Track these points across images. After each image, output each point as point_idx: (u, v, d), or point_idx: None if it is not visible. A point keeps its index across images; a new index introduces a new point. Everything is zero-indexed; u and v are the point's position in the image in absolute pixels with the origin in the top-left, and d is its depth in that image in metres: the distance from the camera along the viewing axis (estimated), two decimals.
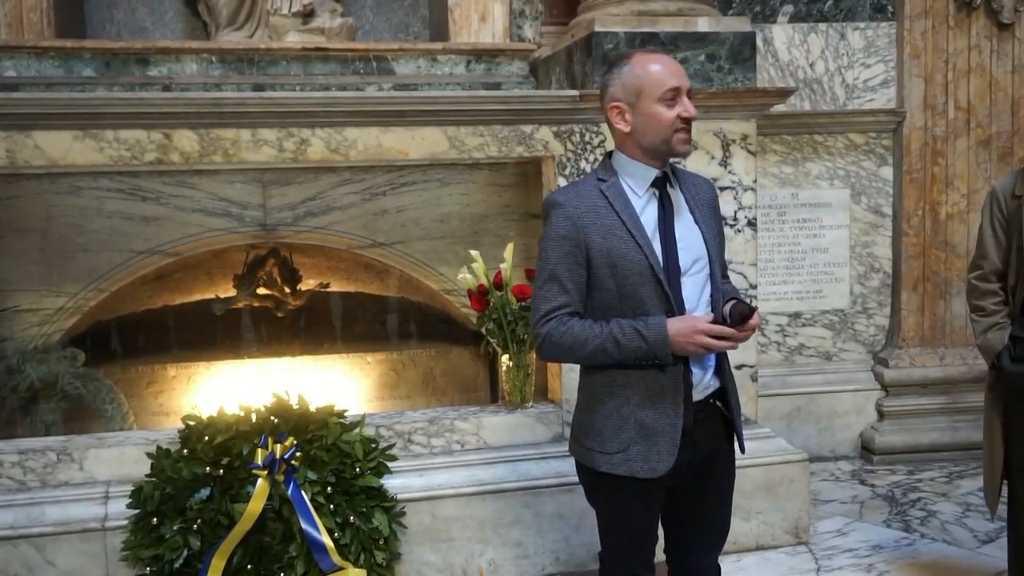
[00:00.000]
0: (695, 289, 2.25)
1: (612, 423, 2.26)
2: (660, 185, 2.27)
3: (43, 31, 3.99)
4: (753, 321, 2.18)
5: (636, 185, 2.26)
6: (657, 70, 2.20)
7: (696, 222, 2.29)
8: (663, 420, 2.22)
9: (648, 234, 2.22)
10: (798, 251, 4.77)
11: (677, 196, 2.30)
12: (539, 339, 2.27)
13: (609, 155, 2.34)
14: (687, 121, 2.21)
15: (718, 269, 2.31)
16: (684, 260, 2.24)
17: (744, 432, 2.43)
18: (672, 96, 2.19)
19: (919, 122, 4.70)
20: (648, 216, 2.25)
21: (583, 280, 2.24)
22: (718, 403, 2.35)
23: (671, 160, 2.31)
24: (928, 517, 4.01)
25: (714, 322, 2.16)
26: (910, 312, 4.80)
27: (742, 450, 2.43)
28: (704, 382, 2.29)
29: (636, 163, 2.26)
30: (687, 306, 2.23)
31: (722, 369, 2.33)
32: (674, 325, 2.15)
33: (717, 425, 2.35)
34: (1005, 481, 2.97)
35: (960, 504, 4.15)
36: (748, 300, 2.23)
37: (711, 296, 2.29)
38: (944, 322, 4.82)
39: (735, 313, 2.18)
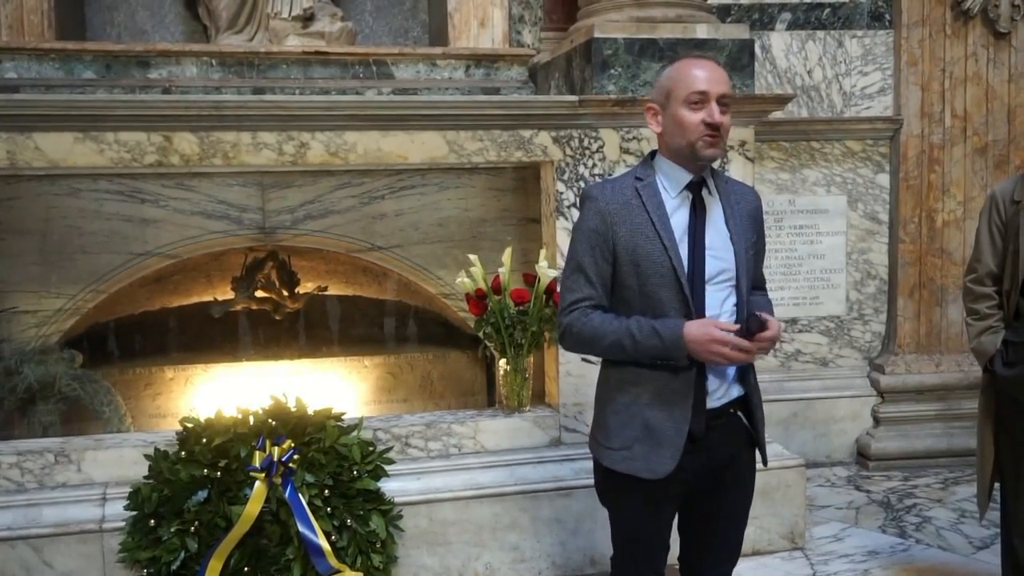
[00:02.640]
0: (718, 298, 2.24)
1: (619, 419, 2.27)
2: (695, 189, 2.25)
3: (44, 33, 4.00)
4: (769, 333, 2.15)
5: (670, 186, 2.26)
6: (689, 73, 2.19)
7: (729, 232, 2.27)
8: (669, 423, 2.21)
9: (676, 237, 2.21)
10: (795, 257, 4.78)
11: (713, 203, 2.28)
12: (561, 328, 2.30)
13: (651, 155, 2.34)
14: (712, 127, 2.17)
15: (745, 281, 2.27)
16: (710, 268, 2.23)
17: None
18: (698, 100, 2.17)
19: (916, 130, 4.72)
20: (678, 219, 2.24)
21: (609, 274, 2.25)
22: (738, 412, 2.32)
23: (713, 166, 2.30)
24: (923, 523, 4.02)
25: (738, 332, 2.15)
26: (906, 319, 4.82)
27: (764, 461, 2.41)
28: (722, 389, 2.27)
29: (671, 164, 2.26)
30: (708, 314, 2.22)
31: (745, 378, 2.31)
32: (691, 330, 2.14)
33: (736, 434, 2.33)
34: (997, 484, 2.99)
35: (955, 510, 4.16)
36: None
37: (735, 307, 2.26)
38: (940, 329, 4.84)
39: (752, 325, 2.16)
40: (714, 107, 2.17)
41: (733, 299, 2.27)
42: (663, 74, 2.27)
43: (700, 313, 2.21)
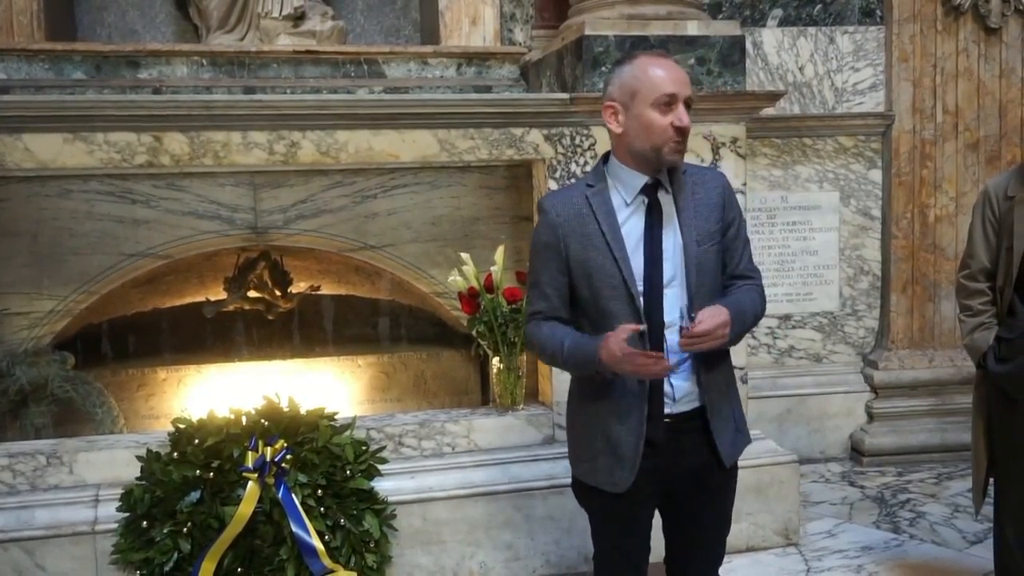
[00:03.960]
0: (676, 303, 2.17)
1: (585, 433, 2.28)
2: (650, 192, 2.19)
3: (33, 34, 3.98)
4: (700, 328, 2.04)
5: (625, 192, 2.20)
6: (655, 74, 2.12)
7: (683, 230, 2.19)
8: (628, 435, 2.19)
9: (630, 247, 2.16)
10: (788, 253, 4.79)
11: (669, 203, 2.21)
12: (525, 338, 2.39)
13: (605, 158, 2.28)
14: (680, 131, 2.12)
15: (696, 281, 2.18)
16: (667, 272, 2.17)
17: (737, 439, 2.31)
18: (667, 102, 2.11)
19: (908, 125, 4.72)
20: (633, 226, 2.19)
21: (564, 285, 2.23)
22: (705, 418, 2.23)
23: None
24: (917, 518, 4.03)
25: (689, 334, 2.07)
26: (899, 314, 4.83)
27: (722, 465, 2.27)
28: (685, 394, 2.21)
29: (626, 169, 2.20)
30: (667, 319, 2.16)
31: (701, 381, 2.21)
32: (602, 352, 2.08)
33: (703, 440, 2.25)
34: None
35: (949, 505, 4.17)
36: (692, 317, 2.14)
37: (688, 308, 2.16)
38: (933, 324, 4.85)
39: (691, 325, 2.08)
40: (682, 110, 2.12)
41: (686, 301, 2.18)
42: (622, 72, 2.18)
43: (656, 321, 2.14)
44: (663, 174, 2.21)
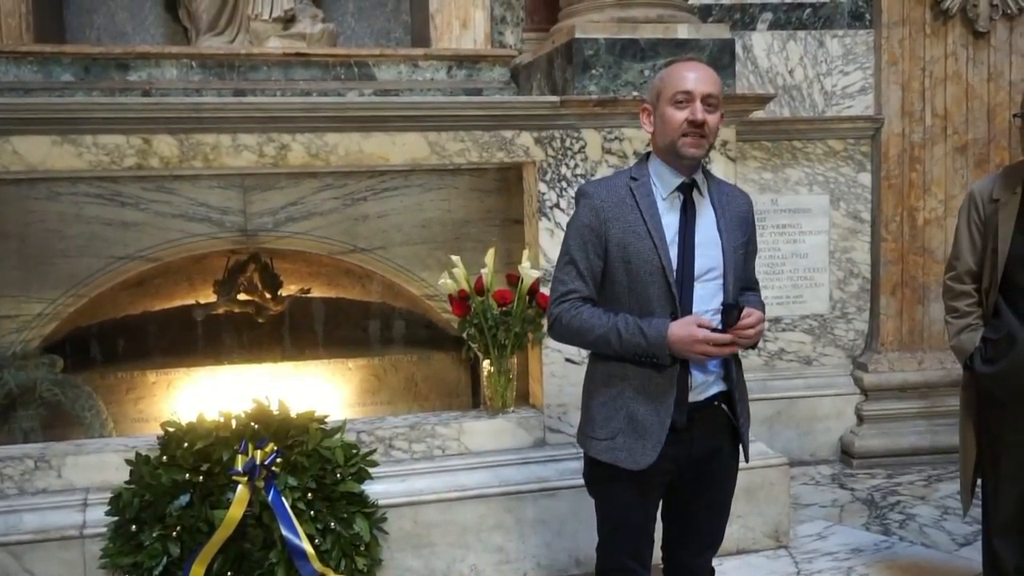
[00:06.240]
0: (706, 295, 2.31)
1: (604, 411, 2.34)
2: (686, 191, 2.33)
3: (22, 36, 3.96)
4: (749, 320, 2.23)
5: (663, 187, 2.33)
6: (678, 74, 2.28)
7: (719, 231, 2.34)
8: (652, 416, 2.28)
9: (668, 237, 2.29)
10: (778, 256, 4.79)
11: (703, 204, 2.35)
12: (551, 318, 2.38)
13: (647, 155, 2.42)
14: (695, 124, 2.24)
15: (732, 280, 2.34)
16: (699, 266, 2.30)
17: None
18: (683, 99, 2.25)
19: (897, 129, 4.74)
20: (670, 219, 2.31)
21: (599, 270, 2.33)
22: (723, 405, 2.39)
23: (706, 167, 2.39)
24: (907, 520, 4.04)
25: (717, 329, 2.23)
26: (889, 317, 4.84)
27: (746, 458, 2.48)
28: (706, 384, 2.34)
29: (664, 166, 2.34)
30: (695, 310, 2.29)
31: (729, 373, 2.38)
32: (675, 330, 2.21)
33: (719, 426, 2.40)
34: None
35: (938, 507, 4.18)
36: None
37: (721, 303, 2.32)
38: (922, 326, 4.86)
39: (730, 315, 2.23)
40: (698, 106, 2.25)
41: (720, 296, 2.33)
42: (655, 77, 2.37)
43: (687, 309, 2.28)
44: (698, 173, 2.35)
